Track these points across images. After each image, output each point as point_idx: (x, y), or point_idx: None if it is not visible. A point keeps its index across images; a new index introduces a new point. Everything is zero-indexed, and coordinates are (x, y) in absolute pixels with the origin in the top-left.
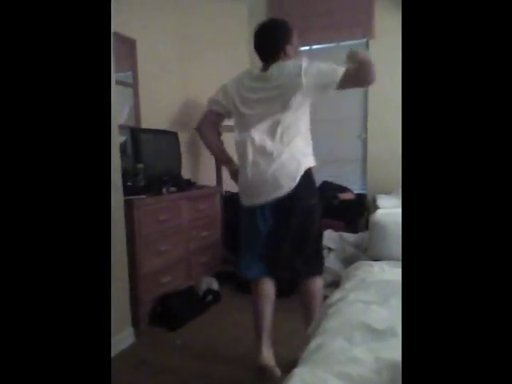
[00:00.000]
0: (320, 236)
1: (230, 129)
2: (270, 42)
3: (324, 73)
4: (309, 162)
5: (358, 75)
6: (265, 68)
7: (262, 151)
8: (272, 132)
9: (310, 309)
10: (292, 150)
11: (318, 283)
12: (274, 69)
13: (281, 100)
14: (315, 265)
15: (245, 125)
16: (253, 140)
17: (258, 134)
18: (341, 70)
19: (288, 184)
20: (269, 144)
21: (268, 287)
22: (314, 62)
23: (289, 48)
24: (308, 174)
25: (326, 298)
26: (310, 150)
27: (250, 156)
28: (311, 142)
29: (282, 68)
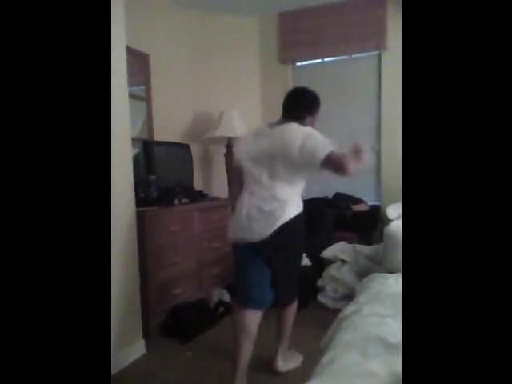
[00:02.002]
0: (297, 274)
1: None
2: (296, 105)
3: (311, 151)
4: (293, 211)
5: (337, 164)
6: (277, 123)
7: (255, 198)
8: (265, 181)
9: (282, 328)
10: (280, 201)
11: (291, 308)
12: (279, 130)
13: (276, 158)
14: (289, 296)
15: (247, 172)
16: (249, 188)
17: (253, 183)
18: (324, 152)
19: (268, 230)
20: (261, 192)
21: (254, 322)
22: (311, 136)
23: (309, 118)
24: (291, 222)
25: (339, 311)
26: (298, 199)
27: (243, 201)
28: (302, 190)
29: (284, 132)
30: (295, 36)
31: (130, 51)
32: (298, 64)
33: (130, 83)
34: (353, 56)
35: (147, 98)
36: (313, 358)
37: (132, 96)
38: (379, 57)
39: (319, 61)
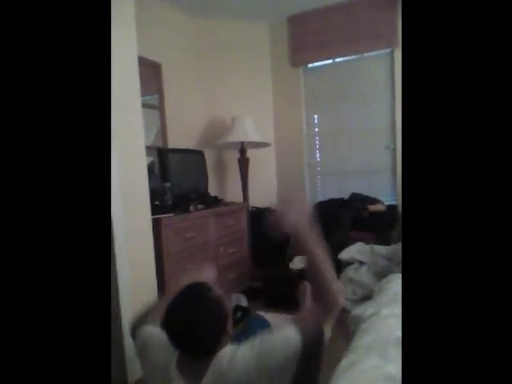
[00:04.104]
0: None
1: (255, 145)
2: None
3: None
4: None
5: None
6: None
7: None
8: None
9: None
10: None
11: None
12: None
13: None
14: None
15: None
16: None
17: None
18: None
19: None
20: None
21: None
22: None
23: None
24: None
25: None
26: None
27: None
28: None
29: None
30: (306, 38)
31: (143, 61)
32: (310, 66)
33: (143, 93)
34: (365, 55)
35: (160, 107)
36: (332, 361)
37: (145, 105)
38: (392, 54)
39: (331, 62)
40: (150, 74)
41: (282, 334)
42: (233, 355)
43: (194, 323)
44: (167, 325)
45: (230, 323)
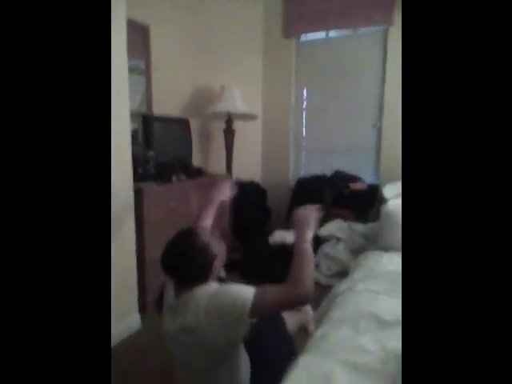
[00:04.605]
0: None
1: (242, 117)
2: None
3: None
4: None
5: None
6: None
7: None
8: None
9: None
10: None
11: None
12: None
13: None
14: None
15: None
16: None
17: None
18: (249, 294)
19: None
20: None
21: None
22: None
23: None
24: None
25: (332, 287)
26: None
27: None
28: None
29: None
30: (300, 8)
31: (130, 23)
32: (303, 40)
33: (129, 56)
34: (359, 31)
35: (147, 72)
36: (304, 333)
37: (131, 69)
38: (386, 32)
39: (324, 37)
40: (137, 37)
41: (238, 288)
42: (200, 293)
43: (180, 254)
44: (162, 259)
45: (217, 264)
